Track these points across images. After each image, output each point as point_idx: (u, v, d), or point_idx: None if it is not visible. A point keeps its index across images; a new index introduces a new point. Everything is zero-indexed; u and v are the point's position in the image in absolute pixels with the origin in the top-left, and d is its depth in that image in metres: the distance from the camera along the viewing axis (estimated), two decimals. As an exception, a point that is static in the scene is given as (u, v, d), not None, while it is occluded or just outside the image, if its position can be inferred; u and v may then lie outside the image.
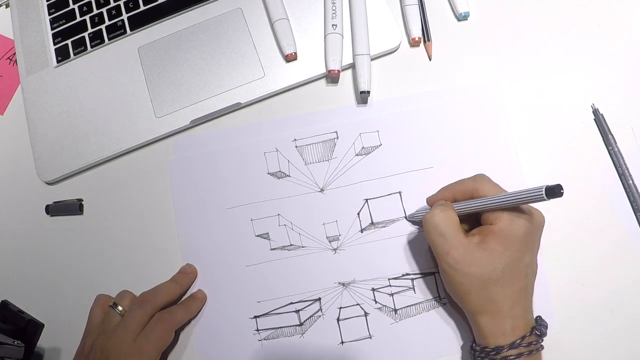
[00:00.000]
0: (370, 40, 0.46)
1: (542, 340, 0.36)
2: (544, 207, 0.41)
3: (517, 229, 0.35)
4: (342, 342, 0.41)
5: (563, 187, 0.31)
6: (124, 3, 0.51)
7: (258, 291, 0.43)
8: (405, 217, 0.43)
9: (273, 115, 0.47)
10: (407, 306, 0.41)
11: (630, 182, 0.42)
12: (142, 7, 0.50)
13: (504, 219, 0.35)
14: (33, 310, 0.44)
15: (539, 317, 0.38)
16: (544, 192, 0.31)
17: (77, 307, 0.43)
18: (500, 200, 0.35)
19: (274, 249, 0.44)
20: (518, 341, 0.34)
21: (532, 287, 0.38)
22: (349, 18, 0.47)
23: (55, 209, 0.47)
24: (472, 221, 0.39)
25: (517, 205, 0.35)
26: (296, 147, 0.46)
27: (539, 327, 0.36)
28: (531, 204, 0.34)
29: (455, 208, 0.38)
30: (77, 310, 0.43)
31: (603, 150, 0.44)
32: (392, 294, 0.42)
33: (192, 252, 0.45)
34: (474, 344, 0.37)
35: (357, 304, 0.42)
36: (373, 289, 0.42)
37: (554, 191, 0.31)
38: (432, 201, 0.41)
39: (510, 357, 0.34)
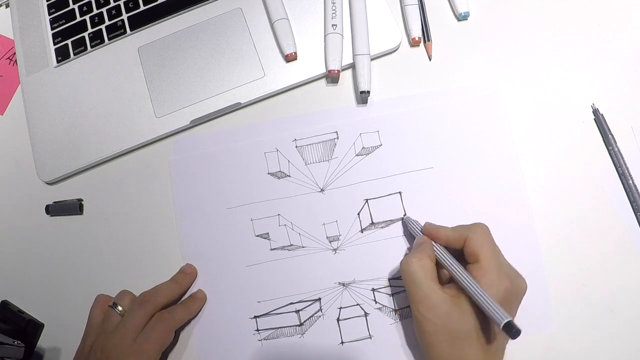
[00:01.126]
0: (370, 40, 0.46)
1: None
2: (549, 197, 0.41)
3: (495, 292, 0.34)
4: (342, 342, 0.41)
5: (520, 333, 0.31)
6: (124, 3, 0.51)
7: (258, 291, 0.43)
8: (403, 218, 0.43)
9: (273, 115, 0.47)
10: (407, 306, 0.41)
11: (630, 182, 0.42)
12: (142, 7, 0.50)
13: (485, 279, 0.35)
14: (33, 310, 0.44)
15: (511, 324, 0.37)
16: (502, 326, 0.31)
17: (77, 307, 0.43)
18: (470, 288, 0.34)
19: (274, 249, 0.44)
20: None
21: (503, 350, 0.36)
22: (349, 18, 0.47)
23: (55, 209, 0.47)
24: (458, 252, 0.38)
25: (482, 307, 0.34)
26: (296, 147, 0.46)
27: None
28: (494, 318, 0.32)
29: (436, 252, 0.38)
30: (77, 310, 0.43)
31: (603, 150, 0.44)
32: (392, 294, 0.42)
33: (192, 252, 0.45)
34: None
35: (357, 304, 0.42)
36: (373, 289, 0.42)
37: (511, 329, 0.31)
38: (426, 231, 0.40)
39: None
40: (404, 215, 0.43)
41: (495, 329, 0.35)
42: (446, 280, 0.39)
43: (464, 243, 0.37)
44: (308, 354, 0.41)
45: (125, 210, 0.47)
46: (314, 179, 0.45)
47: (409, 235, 0.43)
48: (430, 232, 0.39)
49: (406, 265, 0.37)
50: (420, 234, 0.40)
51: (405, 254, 0.43)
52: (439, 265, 0.38)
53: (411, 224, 0.42)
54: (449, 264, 0.37)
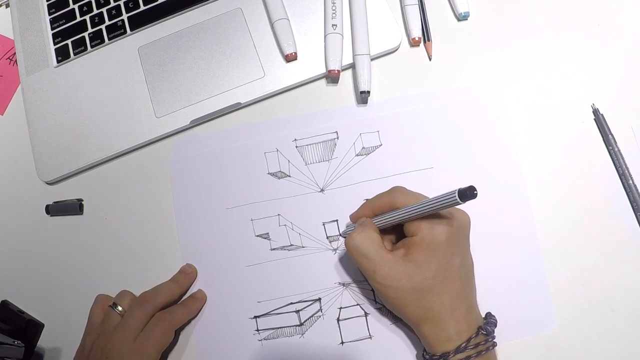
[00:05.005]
0: (370, 40, 0.46)
1: (493, 338, 0.36)
2: (549, 197, 0.41)
3: (438, 235, 0.35)
4: (342, 342, 0.41)
5: (476, 188, 0.31)
6: (124, 3, 0.51)
7: (258, 291, 0.43)
8: (340, 234, 0.44)
9: (273, 115, 0.47)
10: (407, 306, 0.41)
11: (630, 182, 0.42)
12: (142, 7, 0.50)
13: (423, 228, 0.35)
14: (33, 310, 0.44)
15: (489, 313, 0.38)
16: (457, 196, 0.31)
17: (77, 307, 0.43)
18: (417, 209, 0.35)
19: (274, 249, 0.44)
20: (463, 344, 0.34)
21: (470, 287, 0.38)
22: (349, 18, 0.47)
23: (55, 209, 0.47)
24: (398, 232, 0.39)
25: (436, 212, 0.34)
26: (296, 147, 0.46)
27: (485, 327, 0.36)
28: (449, 204, 0.33)
29: (376, 222, 0.38)
30: (77, 310, 0.43)
31: (603, 150, 0.44)
32: (392, 294, 0.42)
33: (192, 252, 0.45)
34: (424, 353, 0.37)
35: (357, 304, 0.42)
36: (373, 289, 0.42)
37: (466, 194, 0.31)
38: (354, 217, 0.41)
39: None
40: (340, 233, 0.44)
41: (455, 272, 0.36)
42: (391, 248, 0.40)
43: (391, 207, 0.38)
44: (308, 354, 0.41)
45: (125, 210, 0.47)
46: (314, 179, 0.45)
47: None
48: (359, 214, 0.40)
49: (351, 242, 0.37)
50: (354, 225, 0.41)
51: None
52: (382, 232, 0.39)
53: (347, 230, 0.43)
54: (387, 218, 0.37)
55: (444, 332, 0.35)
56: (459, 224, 0.36)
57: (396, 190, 0.38)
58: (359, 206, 0.43)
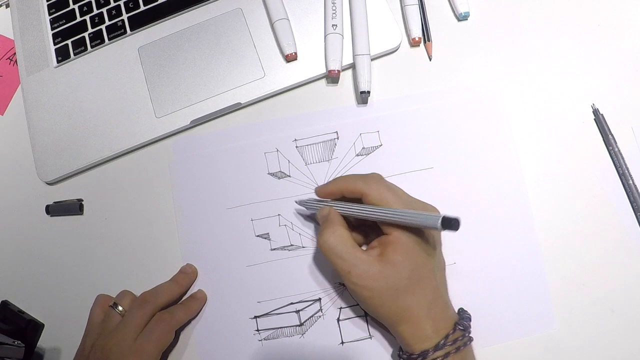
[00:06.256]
0: (370, 40, 0.46)
1: (469, 333, 0.36)
2: (549, 197, 0.42)
3: (413, 235, 0.35)
4: (342, 342, 0.41)
5: (460, 222, 0.31)
6: (124, 3, 0.51)
7: (258, 291, 0.43)
8: (296, 202, 0.43)
9: (273, 115, 0.47)
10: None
11: (630, 182, 0.42)
12: (142, 7, 0.50)
13: (398, 227, 0.35)
14: (33, 310, 0.44)
15: (461, 309, 0.38)
16: (439, 223, 0.31)
17: (77, 307, 0.43)
18: (392, 215, 0.34)
19: (274, 249, 0.44)
20: (442, 341, 0.34)
21: (444, 284, 0.38)
22: (349, 18, 0.47)
23: (55, 209, 0.47)
24: (364, 221, 0.39)
25: (410, 225, 0.34)
26: (296, 147, 0.46)
27: (461, 322, 0.36)
28: (427, 226, 0.32)
29: (343, 211, 0.38)
30: (77, 310, 0.43)
31: (603, 150, 0.44)
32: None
33: (192, 252, 0.45)
34: (400, 352, 0.37)
35: (358, 304, 0.42)
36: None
37: (450, 224, 0.30)
38: (321, 193, 0.40)
39: (438, 359, 0.34)
40: (297, 200, 0.42)
41: (429, 271, 0.36)
42: (362, 241, 0.40)
43: (364, 200, 0.37)
44: (308, 354, 0.41)
45: (125, 210, 0.47)
46: (314, 179, 0.45)
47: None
48: (328, 192, 0.39)
49: (324, 243, 0.36)
50: (321, 206, 0.39)
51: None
52: (350, 224, 0.39)
53: (308, 203, 0.41)
54: (359, 211, 0.36)
55: (422, 331, 0.35)
56: None
57: (371, 180, 0.37)
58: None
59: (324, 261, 0.43)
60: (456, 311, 0.38)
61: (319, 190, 0.40)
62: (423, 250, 0.36)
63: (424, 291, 0.35)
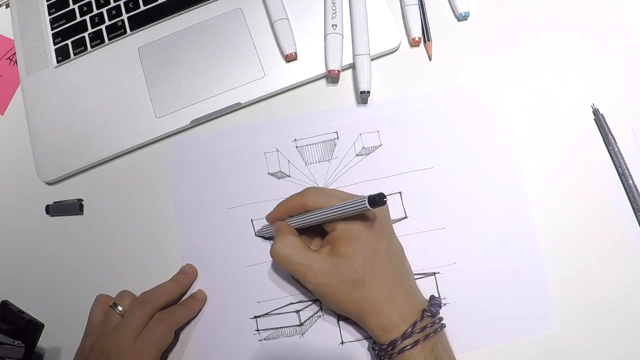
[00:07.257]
0: (370, 40, 0.46)
1: (440, 320, 0.36)
2: (549, 197, 0.42)
3: (357, 224, 0.36)
4: (342, 342, 0.41)
5: (385, 195, 0.32)
6: (124, 3, 0.51)
7: (258, 291, 0.43)
8: (255, 234, 0.44)
9: (273, 115, 0.47)
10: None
11: (630, 182, 0.42)
12: (142, 7, 0.50)
13: (341, 221, 0.36)
14: (33, 310, 0.44)
15: (432, 296, 0.38)
16: (367, 203, 0.32)
17: (77, 307, 0.43)
18: (329, 213, 0.35)
19: (274, 249, 0.44)
20: (409, 329, 0.34)
21: (405, 270, 0.38)
22: (349, 18, 0.47)
23: (55, 209, 0.47)
24: (320, 228, 0.39)
25: (347, 216, 0.35)
26: (296, 147, 0.46)
27: (429, 309, 0.36)
28: (359, 210, 0.34)
29: (291, 224, 0.39)
30: (77, 310, 0.43)
31: (603, 150, 0.44)
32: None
33: (192, 252, 0.45)
34: (373, 345, 0.37)
35: (357, 304, 0.42)
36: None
37: (376, 200, 0.31)
38: (270, 218, 0.42)
39: (407, 347, 0.34)
40: (256, 232, 0.44)
41: (384, 257, 0.36)
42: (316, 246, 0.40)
43: (304, 208, 0.38)
44: (308, 354, 0.41)
45: (125, 210, 0.47)
46: (314, 179, 0.45)
47: (415, 234, 0.43)
48: (275, 216, 0.41)
49: (275, 253, 0.37)
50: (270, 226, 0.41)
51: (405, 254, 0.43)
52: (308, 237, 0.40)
53: (263, 230, 0.43)
54: (303, 220, 0.38)
55: (388, 320, 0.35)
56: (380, 215, 0.37)
57: (308, 191, 0.39)
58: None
59: (323, 261, 0.43)
60: (427, 298, 0.38)
61: (268, 217, 0.42)
62: (372, 237, 0.36)
63: (382, 278, 0.36)
